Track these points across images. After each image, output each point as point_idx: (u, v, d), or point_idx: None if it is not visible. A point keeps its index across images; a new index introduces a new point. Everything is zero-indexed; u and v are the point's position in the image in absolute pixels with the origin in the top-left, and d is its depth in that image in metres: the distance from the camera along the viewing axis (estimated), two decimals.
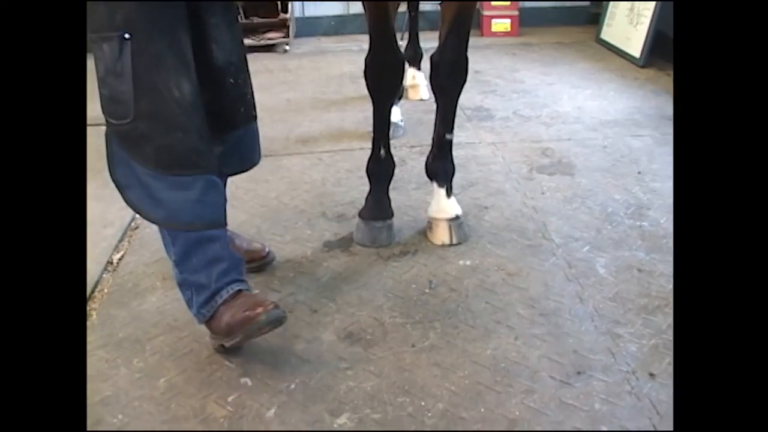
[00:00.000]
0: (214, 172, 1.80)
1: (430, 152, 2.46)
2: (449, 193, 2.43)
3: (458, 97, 2.35)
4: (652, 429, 1.60)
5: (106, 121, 1.73)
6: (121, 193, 1.77)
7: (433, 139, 2.44)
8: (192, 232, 1.77)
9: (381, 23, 2.21)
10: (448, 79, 2.29)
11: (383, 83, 2.30)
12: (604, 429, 1.61)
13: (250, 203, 2.75)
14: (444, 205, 2.41)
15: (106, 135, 1.74)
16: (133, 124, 1.68)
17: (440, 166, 2.43)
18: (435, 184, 2.44)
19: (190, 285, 1.83)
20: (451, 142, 2.41)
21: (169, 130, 1.70)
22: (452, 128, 2.40)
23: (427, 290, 2.13)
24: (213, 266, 1.80)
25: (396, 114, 3.41)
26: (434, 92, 2.36)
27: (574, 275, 2.18)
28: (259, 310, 1.76)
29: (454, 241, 2.37)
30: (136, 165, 1.71)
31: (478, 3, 5.39)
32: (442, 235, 2.39)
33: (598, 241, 2.37)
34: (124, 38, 1.63)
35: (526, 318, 1.99)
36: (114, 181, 1.76)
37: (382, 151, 2.41)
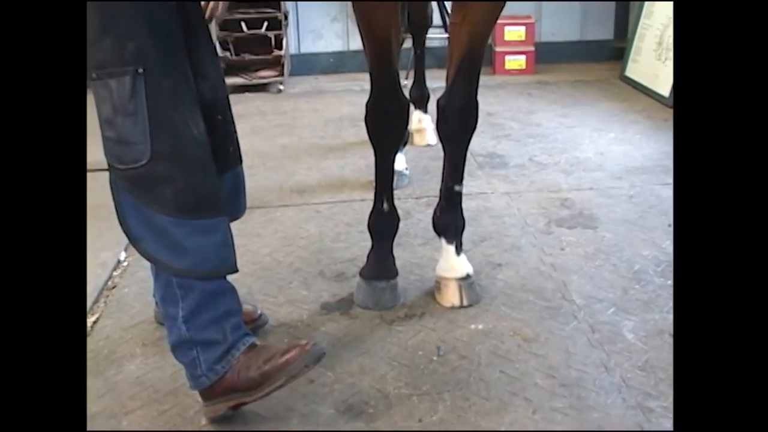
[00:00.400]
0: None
1: (438, 205, 2.50)
2: (459, 250, 2.46)
3: (468, 145, 2.40)
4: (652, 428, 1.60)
5: (111, 167, 1.75)
6: (135, 245, 1.78)
7: (440, 190, 2.49)
8: (209, 281, 1.80)
9: (382, 64, 2.27)
10: (457, 126, 2.34)
11: (385, 131, 2.34)
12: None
13: (240, 260, 2.73)
14: (453, 263, 2.44)
15: (112, 182, 1.76)
16: (149, 167, 1.70)
17: (449, 221, 2.47)
18: (443, 240, 2.47)
19: (195, 343, 1.83)
20: (460, 194, 2.45)
21: (191, 169, 1.73)
22: (461, 179, 2.44)
23: (435, 358, 2.15)
24: (226, 320, 1.84)
25: (400, 162, 3.46)
26: (441, 140, 2.41)
27: (598, 341, 2.20)
28: (297, 350, 1.81)
29: (465, 303, 2.40)
30: (152, 212, 1.73)
31: (490, 38, 5.52)
32: (451, 296, 2.41)
33: (625, 302, 2.39)
34: (138, 73, 1.66)
35: (545, 389, 2.00)
36: (126, 232, 1.77)
37: (385, 205, 2.45)
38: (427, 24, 3.86)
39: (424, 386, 2.03)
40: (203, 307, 1.81)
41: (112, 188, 1.76)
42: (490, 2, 2.20)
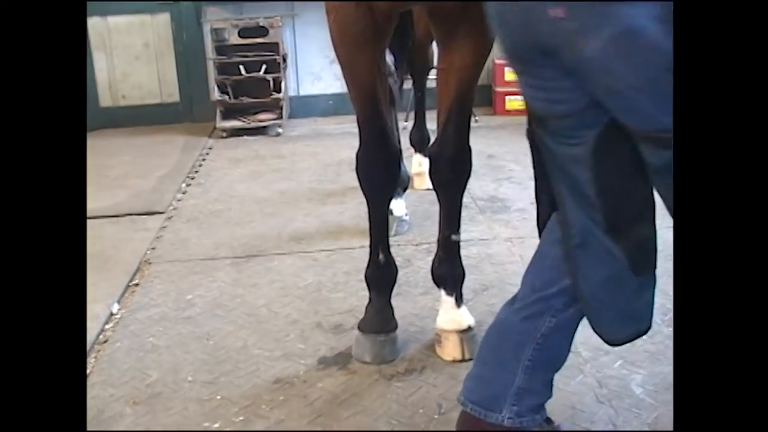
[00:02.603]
0: None
1: (436, 255, 2.45)
2: (459, 302, 2.41)
3: (462, 193, 2.37)
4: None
5: None
6: None
7: (438, 240, 2.44)
8: None
9: (368, 112, 2.24)
10: (449, 175, 2.30)
11: (376, 181, 2.32)
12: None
13: (235, 312, 2.73)
14: (454, 316, 2.39)
15: None
16: None
17: (447, 272, 2.42)
18: (443, 292, 2.42)
19: None
20: (458, 243, 2.41)
21: None
22: (458, 227, 2.40)
23: (436, 416, 2.08)
24: None
25: (400, 207, 3.42)
26: (435, 189, 2.38)
27: (605, 396, 2.13)
28: None
29: (467, 357, 2.33)
30: None
31: (490, 77, 5.50)
32: (452, 350, 2.35)
33: (632, 354, 2.33)
34: None
35: None
36: None
37: (381, 256, 2.40)
38: (429, 66, 3.85)
39: None
40: None
41: None
42: (476, 48, 2.17)
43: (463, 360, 2.33)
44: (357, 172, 2.32)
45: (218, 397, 2.22)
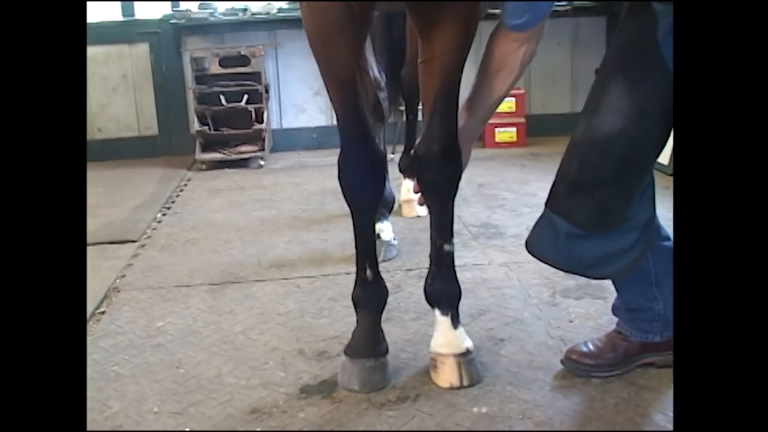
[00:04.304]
0: None
1: (429, 272, 2.25)
2: (456, 323, 2.19)
3: (453, 197, 2.16)
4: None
5: None
6: None
7: (430, 256, 2.24)
8: None
9: (348, 110, 2.08)
10: (439, 173, 2.09)
11: (360, 186, 2.13)
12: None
13: (209, 339, 2.50)
14: (450, 338, 2.17)
15: None
16: None
17: (441, 288, 2.20)
18: (437, 312, 2.21)
19: None
20: (452, 255, 2.20)
21: None
22: (451, 236, 2.19)
23: None
24: None
25: (388, 231, 3.23)
26: (423, 193, 2.17)
27: (620, 424, 1.91)
28: None
29: (465, 383, 2.11)
30: None
31: None
32: (449, 375, 2.13)
33: (646, 377, 2.12)
34: None
35: None
36: None
37: (369, 272, 2.20)
38: None
39: None
40: None
41: None
42: (458, 32, 2.01)
43: (461, 386, 2.10)
44: (339, 180, 2.14)
45: (187, 429, 1.98)
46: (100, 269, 3.23)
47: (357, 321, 2.24)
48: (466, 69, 2.09)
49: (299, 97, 5.60)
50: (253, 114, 5.20)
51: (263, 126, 5.20)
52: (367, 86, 2.17)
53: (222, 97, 5.19)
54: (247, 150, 5.23)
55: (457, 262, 2.25)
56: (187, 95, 5.47)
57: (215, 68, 5.27)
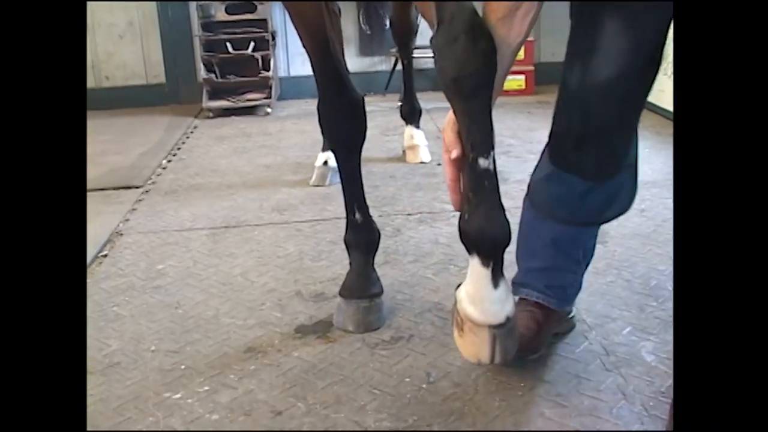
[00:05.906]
0: None
1: (463, 202, 1.65)
2: (498, 277, 1.62)
3: (491, 87, 1.59)
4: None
5: None
6: None
7: (460, 179, 1.67)
8: None
9: (321, 57, 2.05)
10: (473, 52, 1.54)
11: (339, 130, 2.15)
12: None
13: (207, 281, 2.50)
14: (488, 302, 1.62)
15: None
16: None
17: (482, 226, 1.59)
18: (475, 260, 1.61)
19: None
20: (492, 175, 1.60)
21: None
22: (490, 147, 1.59)
23: (424, 385, 1.85)
24: None
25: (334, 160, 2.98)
26: (451, 91, 1.59)
27: (613, 364, 1.90)
28: None
29: (498, 360, 1.63)
30: None
31: None
32: (479, 349, 1.63)
33: (642, 321, 2.11)
34: None
35: (554, 420, 1.70)
36: None
37: (357, 215, 2.19)
38: (412, 29, 3.64)
39: (410, 418, 1.73)
40: None
41: None
42: None
43: (491, 363, 1.66)
44: (320, 125, 2.19)
45: (182, 366, 1.99)
46: (104, 214, 3.23)
47: (350, 263, 2.23)
48: None
49: None
50: (260, 61, 5.15)
51: (270, 74, 5.15)
52: (337, 28, 2.15)
53: (228, 44, 5.13)
54: (254, 98, 5.19)
55: (497, 174, 1.64)
56: (194, 43, 5.42)
57: (221, 15, 5.20)
